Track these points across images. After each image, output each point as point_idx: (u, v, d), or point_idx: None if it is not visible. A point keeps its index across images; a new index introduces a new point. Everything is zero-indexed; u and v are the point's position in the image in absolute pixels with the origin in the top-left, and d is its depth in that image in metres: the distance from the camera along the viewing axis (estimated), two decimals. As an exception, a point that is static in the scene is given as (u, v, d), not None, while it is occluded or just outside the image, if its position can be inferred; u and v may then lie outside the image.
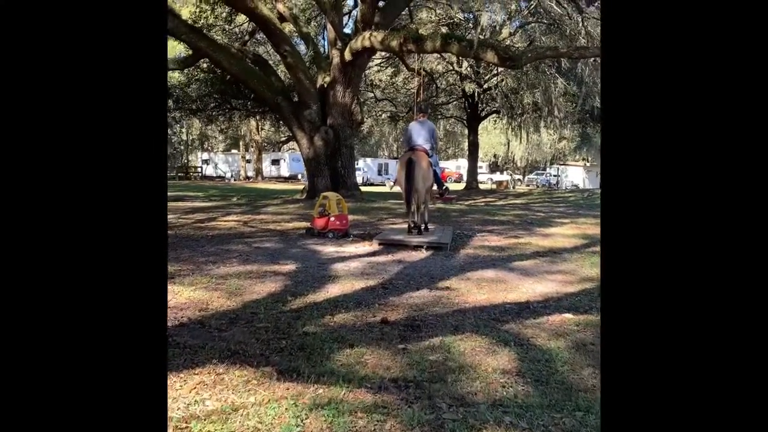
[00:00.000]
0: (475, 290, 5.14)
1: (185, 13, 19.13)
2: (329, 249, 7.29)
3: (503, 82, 25.68)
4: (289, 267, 5.98)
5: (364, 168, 42.25)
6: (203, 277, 5.32)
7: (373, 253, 7.04)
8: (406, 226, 8.94)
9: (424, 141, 8.16)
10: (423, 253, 7.12)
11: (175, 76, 21.58)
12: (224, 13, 19.79)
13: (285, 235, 8.64)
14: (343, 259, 6.59)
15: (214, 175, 46.63)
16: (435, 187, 8.54)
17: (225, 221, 10.45)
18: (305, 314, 4.11)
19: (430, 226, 8.81)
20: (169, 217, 10.85)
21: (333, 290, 4.97)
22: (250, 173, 45.00)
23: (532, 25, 22.75)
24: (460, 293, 5.00)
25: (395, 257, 6.80)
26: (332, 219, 8.23)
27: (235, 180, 43.40)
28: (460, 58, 26.86)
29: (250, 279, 5.33)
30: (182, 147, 54.06)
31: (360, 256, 6.85)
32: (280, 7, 15.90)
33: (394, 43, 13.11)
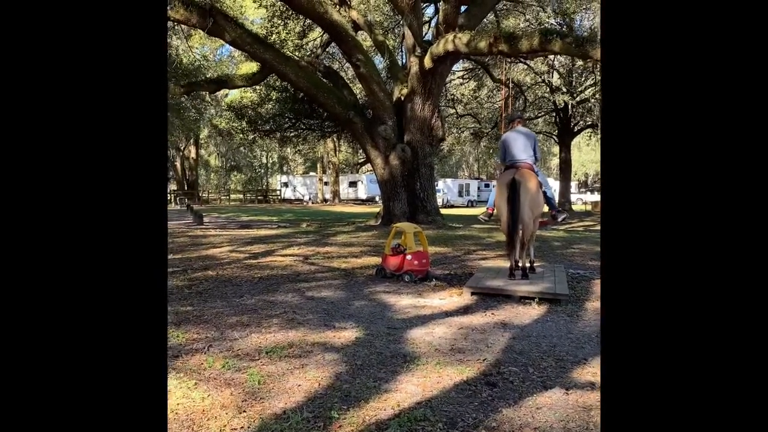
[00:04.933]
0: (642, 392, 3.11)
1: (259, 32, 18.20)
2: (405, 301, 5.43)
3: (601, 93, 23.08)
4: (347, 335, 4.19)
5: (444, 189, 40.18)
6: (218, 357, 3.62)
7: (465, 309, 5.12)
8: (502, 263, 6.97)
9: (527, 154, 6.19)
10: (535, 309, 5.12)
11: (247, 95, 20.74)
12: (297, 28, 18.70)
13: (350, 276, 6.88)
14: (423, 319, 4.72)
15: (293, 197, 46.21)
16: (546, 208, 6.51)
17: (283, 255, 8.86)
18: (357, 459, 2.28)
19: (537, 265, 6.79)
20: (219, 251, 9.44)
21: (408, 389, 3.11)
22: (328, 195, 44.20)
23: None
24: (618, 400, 2.99)
25: (497, 317, 4.85)
26: (409, 258, 6.39)
27: (312, 203, 42.71)
28: (551, 68, 24.60)
29: (286, 361, 3.58)
30: (262, 170, 54.47)
31: (447, 314, 4.95)
32: (354, 14, 14.46)
33: (483, 45, 11.22)
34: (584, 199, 42.48)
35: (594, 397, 3.02)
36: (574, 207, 31.48)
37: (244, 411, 2.78)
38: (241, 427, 2.59)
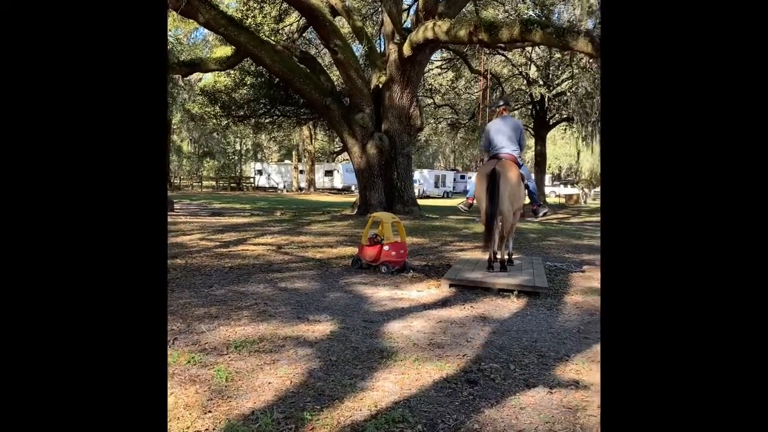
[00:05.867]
0: (627, 391, 3.00)
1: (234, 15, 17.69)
2: (382, 293, 5.27)
3: (577, 86, 23.15)
4: (322, 329, 4.00)
5: (420, 180, 40.07)
6: (184, 352, 3.41)
7: (443, 302, 4.98)
8: (479, 254, 6.86)
9: (511, 144, 6.04)
10: (514, 302, 5.01)
11: (221, 80, 20.26)
12: (273, 12, 18.26)
13: (325, 266, 6.69)
14: (401, 312, 4.56)
15: (267, 185, 45.61)
16: (527, 201, 6.38)
17: (256, 244, 8.62)
18: (332, 466, 2.11)
19: (514, 257, 6.68)
20: (189, 238, 9.14)
21: (385, 387, 2.95)
22: (303, 184, 43.75)
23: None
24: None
25: (476, 309, 4.72)
26: (386, 248, 6.23)
27: (287, 191, 42.22)
28: (529, 60, 24.58)
29: (256, 356, 3.38)
30: (236, 157, 53.63)
31: (425, 306, 4.80)
32: (332, -1, 14.14)
33: (462, 33, 11.04)
34: (557, 192, 42.84)
35: (579, 397, 2.90)
36: (548, 200, 31.71)
37: (210, 411, 2.58)
38: (206, 429, 2.39)
